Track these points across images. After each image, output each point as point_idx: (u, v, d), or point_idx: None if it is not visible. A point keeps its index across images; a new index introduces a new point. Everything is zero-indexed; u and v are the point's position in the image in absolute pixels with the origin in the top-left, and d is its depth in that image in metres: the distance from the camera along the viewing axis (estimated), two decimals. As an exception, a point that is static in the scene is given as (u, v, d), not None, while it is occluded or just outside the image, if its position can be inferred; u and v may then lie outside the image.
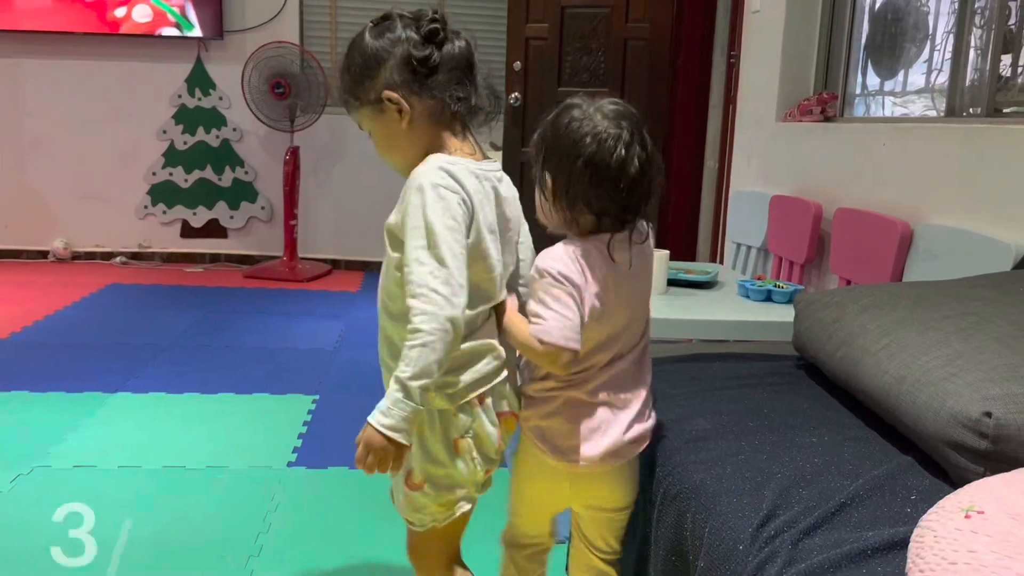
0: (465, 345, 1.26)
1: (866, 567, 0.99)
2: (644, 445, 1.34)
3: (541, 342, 1.23)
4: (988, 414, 1.09)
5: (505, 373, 1.33)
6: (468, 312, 1.22)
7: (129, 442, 2.51)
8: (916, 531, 0.92)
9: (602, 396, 1.30)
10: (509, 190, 1.34)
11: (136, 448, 2.46)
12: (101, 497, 2.15)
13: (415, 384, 1.15)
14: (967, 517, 0.87)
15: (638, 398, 1.33)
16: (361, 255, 5.34)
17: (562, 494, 1.37)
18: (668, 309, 2.10)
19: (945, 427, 1.13)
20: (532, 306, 1.26)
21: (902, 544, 0.97)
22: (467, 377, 1.27)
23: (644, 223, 1.30)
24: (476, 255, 1.24)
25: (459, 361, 1.26)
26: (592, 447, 1.29)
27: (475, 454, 1.30)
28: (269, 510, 2.12)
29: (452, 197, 1.20)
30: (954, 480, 1.12)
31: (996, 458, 1.07)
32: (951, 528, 0.87)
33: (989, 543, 0.82)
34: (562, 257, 1.24)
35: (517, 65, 4.53)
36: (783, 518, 1.09)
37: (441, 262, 1.17)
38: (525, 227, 1.45)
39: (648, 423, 1.35)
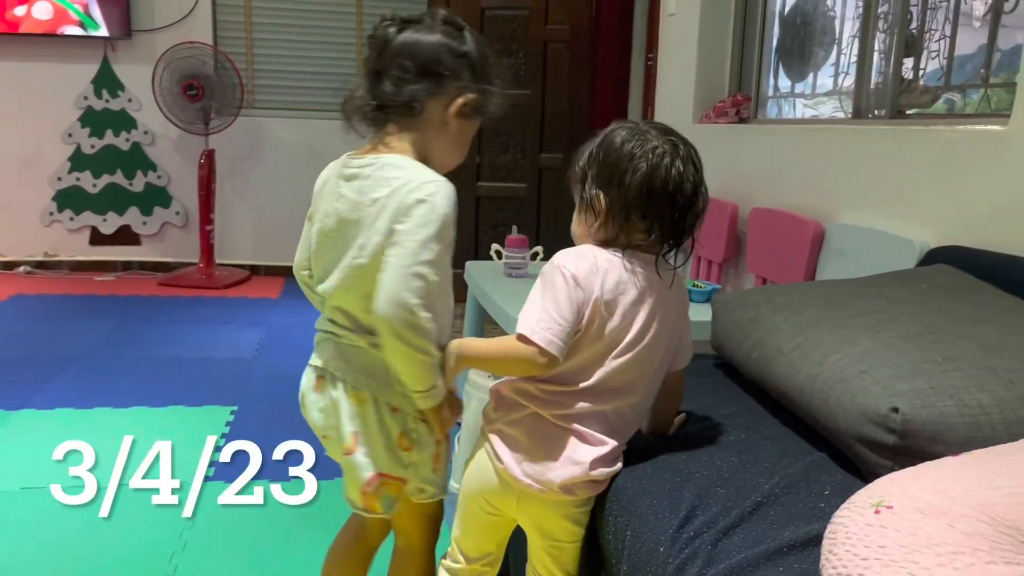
0: None
1: (783, 564, 1.00)
2: (602, 488, 1.25)
3: (520, 337, 1.16)
4: (895, 409, 1.12)
5: None
6: None
7: (33, 462, 2.38)
8: (829, 527, 0.94)
9: (575, 426, 1.21)
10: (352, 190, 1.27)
11: (41, 468, 2.34)
12: (2, 522, 2.04)
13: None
14: (876, 512, 0.89)
15: (613, 443, 1.23)
16: (281, 260, 5.22)
17: (509, 511, 1.28)
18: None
19: (855, 423, 1.16)
20: (530, 295, 1.21)
21: (816, 540, 0.99)
22: None
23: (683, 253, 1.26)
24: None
25: None
26: (550, 473, 1.20)
27: None
28: (185, 528, 2.04)
29: None
30: (865, 475, 1.15)
31: (904, 452, 1.11)
32: (861, 524, 0.89)
33: (898, 538, 0.84)
34: (583, 258, 1.20)
35: (437, 67, 4.49)
36: (702, 518, 1.11)
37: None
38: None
39: (614, 467, 1.25)
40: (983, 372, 1.16)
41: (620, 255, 1.20)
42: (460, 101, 1.25)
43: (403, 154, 1.25)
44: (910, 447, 1.10)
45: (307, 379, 1.38)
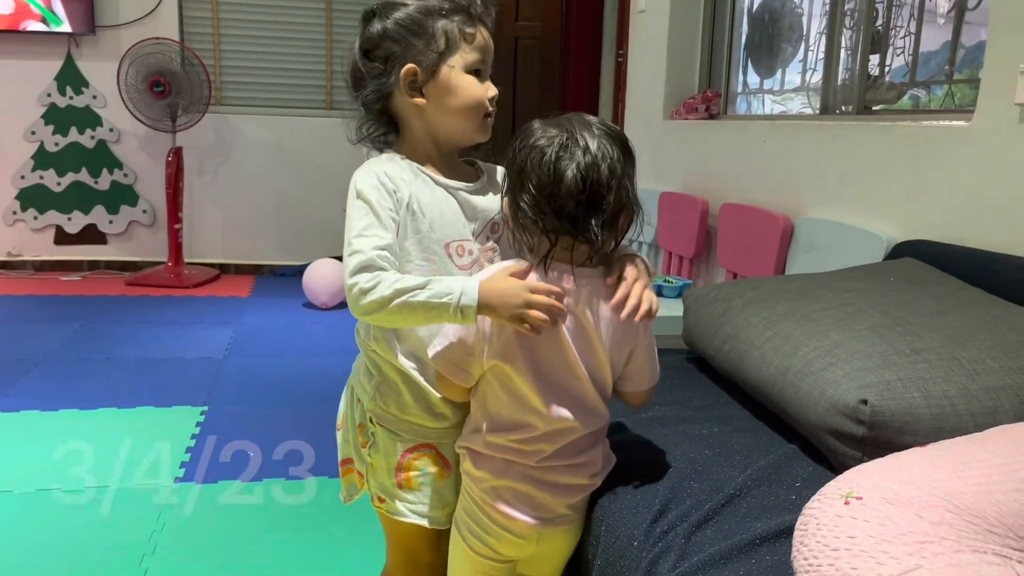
0: None
1: (755, 556, 1.01)
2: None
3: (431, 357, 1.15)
4: (864, 401, 1.13)
5: None
6: None
7: (-2, 466, 2.34)
8: (800, 519, 0.95)
9: (560, 463, 1.15)
10: None
11: (6, 471, 2.30)
12: (-33, 527, 2.00)
13: None
14: (846, 503, 0.90)
15: (598, 450, 1.19)
16: (251, 258, 5.17)
17: (525, 552, 1.19)
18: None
19: (825, 415, 1.18)
20: None
21: (788, 532, 1.00)
22: None
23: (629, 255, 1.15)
24: None
25: None
26: (569, 501, 1.16)
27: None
28: (155, 530, 2.02)
29: None
30: (835, 466, 1.17)
31: (873, 443, 1.12)
32: (832, 515, 0.90)
33: (867, 528, 0.85)
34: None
35: (408, 63, 4.47)
36: (676, 512, 1.11)
37: None
38: None
39: (612, 461, 1.23)
40: (949, 363, 1.18)
41: (536, 274, 1.11)
42: (403, 78, 1.17)
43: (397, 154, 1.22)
44: (879, 438, 1.12)
45: None
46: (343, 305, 4.36)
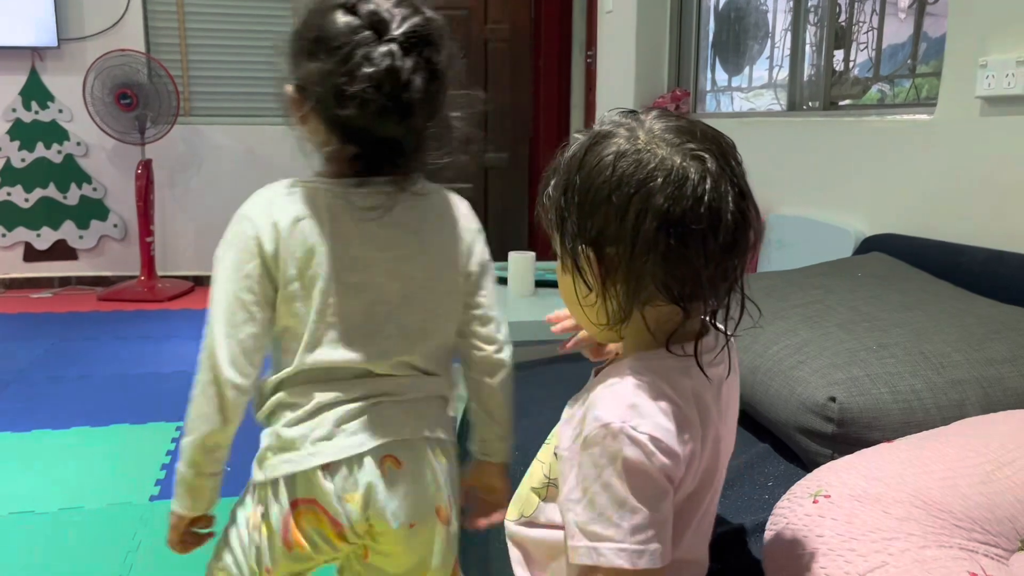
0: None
1: (729, 554, 1.02)
2: None
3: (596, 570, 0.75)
4: (832, 399, 1.14)
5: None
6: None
7: (-31, 490, 2.30)
8: (771, 518, 0.95)
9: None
10: None
11: (-22, 496, 2.27)
12: (-63, 554, 1.97)
13: None
14: (815, 502, 0.91)
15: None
16: (226, 270, 5.13)
17: None
18: (536, 311, 2.11)
19: (795, 413, 1.18)
20: (572, 512, 0.76)
21: (761, 530, 1.00)
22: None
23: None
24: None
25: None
26: None
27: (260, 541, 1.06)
28: (130, 550, 1.99)
29: None
30: (807, 464, 1.17)
31: (842, 440, 1.13)
32: (801, 514, 0.90)
33: (835, 526, 0.86)
34: (645, 403, 0.75)
35: (378, 69, 4.46)
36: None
37: None
38: None
39: None
40: (915, 358, 1.19)
41: (659, 361, 0.78)
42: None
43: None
44: (848, 435, 1.12)
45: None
46: (319, 314, 4.34)
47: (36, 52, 4.71)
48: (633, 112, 0.80)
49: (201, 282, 5.08)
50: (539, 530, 0.88)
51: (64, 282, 4.98)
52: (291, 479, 1.02)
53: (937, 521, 0.83)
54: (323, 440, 1.02)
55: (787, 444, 1.25)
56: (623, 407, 0.74)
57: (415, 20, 1.01)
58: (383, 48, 0.97)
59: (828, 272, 1.65)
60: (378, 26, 0.99)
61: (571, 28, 4.62)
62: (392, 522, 1.04)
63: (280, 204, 1.07)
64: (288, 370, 1.05)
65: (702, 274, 0.74)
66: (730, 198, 0.74)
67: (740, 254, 0.76)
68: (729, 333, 0.82)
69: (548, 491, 0.87)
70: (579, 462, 0.76)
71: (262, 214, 1.06)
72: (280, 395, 1.06)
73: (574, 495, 0.76)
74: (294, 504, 1.03)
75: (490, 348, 1.17)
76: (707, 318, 0.81)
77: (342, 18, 1.00)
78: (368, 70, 0.96)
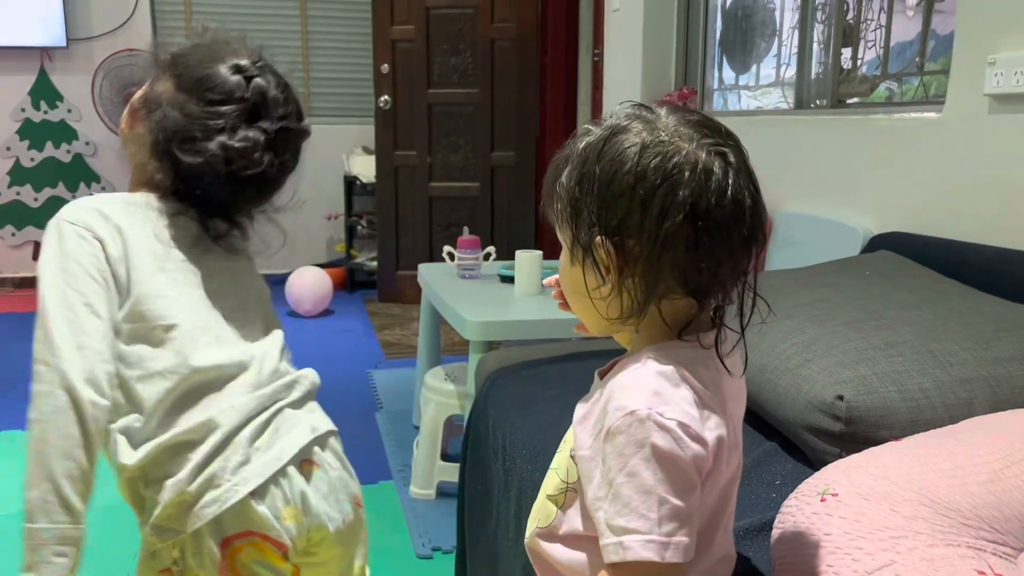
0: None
1: (738, 552, 1.02)
2: None
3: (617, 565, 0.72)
4: (840, 397, 1.14)
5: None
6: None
7: (-19, 487, 2.32)
8: (778, 517, 0.95)
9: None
10: None
11: (-11, 493, 2.28)
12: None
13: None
14: (823, 500, 0.91)
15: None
16: (234, 268, 5.15)
17: None
18: (544, 310, 2.11)
19: (803, 412, 1.18)
20: (600, 511, 0.74)
21: (768, 528, 1.00)
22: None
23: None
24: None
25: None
26: None
27: None
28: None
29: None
30: (814, 463, 1.17)
31: (850, 439, 1.13)
32: (808, 513, 0.90)
33: (842, 524, 0.86)
34: (668, 390, 0.74)
35: (385, 68, 4.47)
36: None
37: None
38: None
39: None
40: (923, 356, 1.19)
41: (675, 351, 0.77)
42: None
43: None
44: (856, 434, 1.12)
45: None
46: (328, 312, 4.35)
47: (45, 52, 4.74)
48: (645, 106, 0.79)
49: (209, 281, 5.11)
50: (558, 547, 0.84)
51: (73, 281, 5.00)
52: (217, 520, 0.97)
53: (945, 520, 0.83)
54: (243, 465, 0.98)
55: (794, 443, 1.25)
56: (648, 394, 0.73)
57: (291, 124, 1.08)
58: (251, 132, 1.03)
59: (836, 270, 1.65)
60: (259, 108, 1.04)
61: (578, 26, 4.62)
62: (329, 525, 1.03)
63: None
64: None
65: (723, 266, 0.75)
66: (748, 192, 0.75)
67: (758, 246, 0.77)
68: (742, 329, 0.81)
69: (566, 496, 0.83)
70: (603, 455, 0.74)
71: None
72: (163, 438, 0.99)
73: (600, 492, 0.74)
74: (225, 543, 0.97)
75: None
76: (714, 314, 0.80)
77: (231, 77, 1.05)
78: (225, 138, 1.00)
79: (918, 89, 2.37)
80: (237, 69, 1.05)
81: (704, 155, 0.74)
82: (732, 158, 0.75)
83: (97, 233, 1.02)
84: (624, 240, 0.75)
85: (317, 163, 5.06)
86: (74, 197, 4.91)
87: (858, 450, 1.03)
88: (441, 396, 2.25)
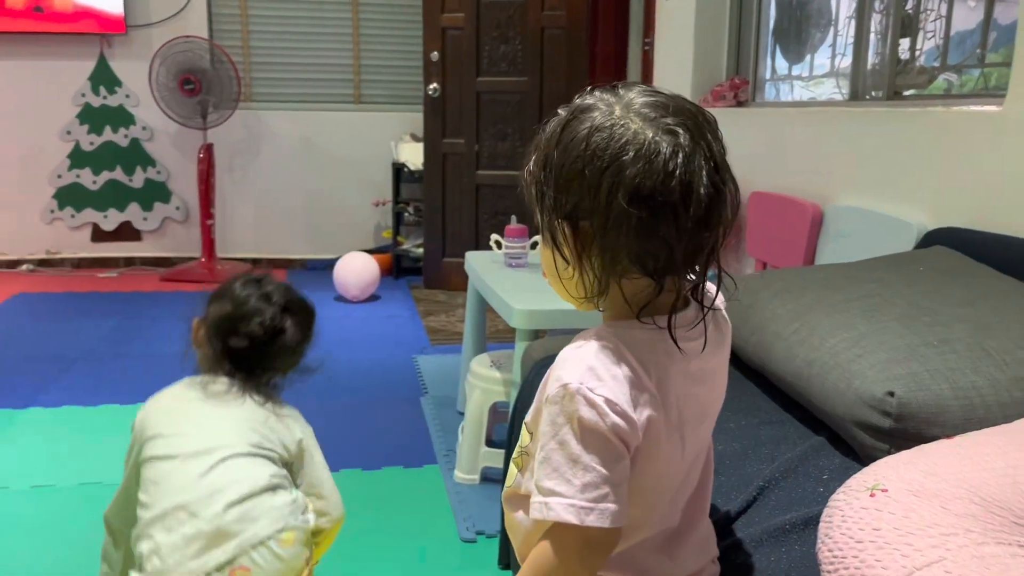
0: None
1: (785, 544, 1.02)
2: None
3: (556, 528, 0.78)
4: (891, 393, 1.13)
5: None
6: None
7: (42, 460, 2.41)
8: (825, 511, 0.95)
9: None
10: None
11: (50, 466, 2.37)
12: (14, 519, 2.07)
13: None
14: (872, 496, 0.91)
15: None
16: (283, 253, 5.24)
17: None
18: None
19: (852, 407, 1.18)
20: (536, 471, 0.80)
21: (815, 522, 1.00)
22: None
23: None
24: None
25: None
26: None
27: None
28: (193, 522, 2.06)
29: None
30: (862, 458, 1.16)
31: (900, 435, 1.12)
32: (857, 507, 0.90)
33: (892, 520, 0.86)
34: (603, 367, 0.78)
35: (435, 56, 4.49)
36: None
37: None
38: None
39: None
40: (978, 354, 1.17)
41: (627, 330, 0.80)
42: None
43: None
44: (906, 430, 1.11)
45: None
46: (374, 298, 4.41)
47: (104, 38, 4.86)
48: (613, 87, 0.81)
49: (259, 264, 5.20)
50: (520, 510, 0.89)
51: (129, 262, 5.14)
52: None
53: (996, 518, 0.83)
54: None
55: (843, 438, 1.25)
56: (583, 369, 0.77)
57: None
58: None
59: (888, 265, 1.63)
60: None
61: (628, 15, 4.59)
62: None
63: None
64: None
65: (676, 248, 0.76)
66: (704, 173, 0.75)
67: (714, 228, 0.77)
68: (706, 309, 0.84)
69: (523, 460, 0.89)
70: (540, 422, 0.80)
71: None
72: None
73: (538, 455, 0.79)
74: None
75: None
76: (687, 292, 0.82)
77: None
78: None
79: (978, 81, 2.32)
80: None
81: (652, 134, 0.75)
82: (684, 137, 0.75)
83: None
84: (579, 222, 0.78)
85: (365, 150, 5.11)
86: (130, 181, 5.05)
87: (908, 447, 1.03)
88: (486, 383, 2.27)
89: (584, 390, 0.76)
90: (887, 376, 1.15)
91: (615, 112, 0.77)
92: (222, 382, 1.38)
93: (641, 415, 0.78)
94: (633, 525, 0.84)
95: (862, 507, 0.90)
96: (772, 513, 1.08)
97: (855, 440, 1.19)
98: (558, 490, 0.76)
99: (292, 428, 1.40)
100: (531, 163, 0.83)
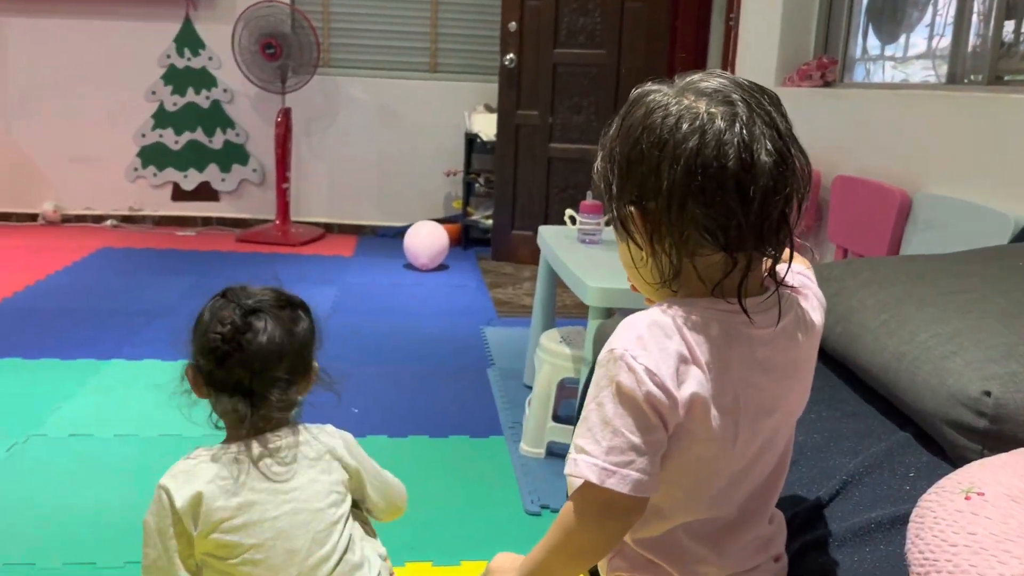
0: None
1: (869, 543, 1.00)
2: None
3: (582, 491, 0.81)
4: (987, 393, 1.09)
5: None
6: None
7: (125, 410, 2.51)
8: (916, 511, 0.92)
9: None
10: None
11: (132, 416, 2.46)
12: (98, 466, 2.16)
13: None
14: (967, 499, 0.88)
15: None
16: (354, 219, 5.31)
17: None
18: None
19: (944, 405, 1.14)
20: (577, 425, 0.82)
21: (902, 522, 0.98)
22: None
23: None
24: None
25: None
26: None
27: None
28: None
29: None
30: (952, 458, 1.13)
31: (994, 437, 1.08)
32: (951, 509, 0.87)
33: (989, 525, 0.83)
34: (653, 338, 0.78)
35: (512, 26, 4.46)
36: (786, 498, 1.10)
37: None
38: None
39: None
40: (1083, 357, 1.12)
41: (700, 308, 0.80)
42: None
43: None
44: (1002, 432, 1.07)
45: None
46: (443, 267, 4.44)
47: (190, 1, 4.95)
48: (671, 79, 0.83)
49: (331, 229, 5.28)
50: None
51: (206, 222, 5.28)
52: None
53: (1103, 531, 0.79)
54: None
55: (930, 435, 1.21)
56: (632, 337, 0.79)
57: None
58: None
59: (983, 259, 1.56)
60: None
61: (712, -12, 4.48)
62: None
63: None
64: None
65: (742, 218, 0.75)
66: (766, 139, 0.76)
67: (783, 198, 0.76)
68: (778, 285, 0.83)
69: None
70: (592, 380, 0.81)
71: None
72: None
73: (583, 412, 0.81)
74: None
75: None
76: (766, 273, 0.82)
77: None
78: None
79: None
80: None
81: (705, 106, 0.76)
82: (741, 107, 0.76)
83: None
84: (646, 204, 0.79)
85: (438, 119, 5.12)
86: (210, 142, 5.17)
87: (1002, 449, 0.99)
88: (555, 358, 2.28)
89: (628, 357, 0.77)
90: (983, 375, 1.11)
91: (669, 93, 0.79)
92: (267, 445, 1.20)
93: (684, 392, 0.78)
94: (673, 506, 0.85)
95: (956, 510, 0.87)
96: (856, 509, 1.05)
97: (945, 439, 1.15)
98: (587, 448, 0.78)
99: (337, 449, 1.28)
100: (598, 160, 0.85)
